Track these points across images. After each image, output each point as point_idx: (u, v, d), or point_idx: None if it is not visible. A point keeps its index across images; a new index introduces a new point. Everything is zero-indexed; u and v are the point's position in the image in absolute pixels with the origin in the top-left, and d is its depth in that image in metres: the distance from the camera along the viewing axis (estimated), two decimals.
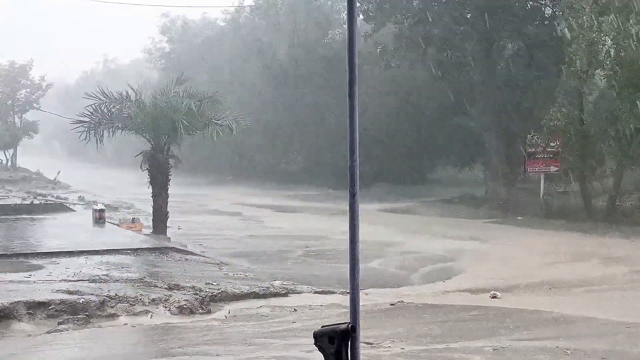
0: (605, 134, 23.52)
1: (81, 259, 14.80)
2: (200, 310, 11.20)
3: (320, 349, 2.75)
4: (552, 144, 27.38)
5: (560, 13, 25.68)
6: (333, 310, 11.30)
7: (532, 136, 28.16)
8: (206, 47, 56.04)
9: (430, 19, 30.95)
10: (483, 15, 29.73)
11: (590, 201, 25.42)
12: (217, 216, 28.30)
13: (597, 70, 24.11)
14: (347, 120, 2.76)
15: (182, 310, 11.07)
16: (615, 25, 21.55)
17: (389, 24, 32.74)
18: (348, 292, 9.57)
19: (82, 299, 10.82)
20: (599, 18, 22.24)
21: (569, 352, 8.76)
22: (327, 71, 40.58)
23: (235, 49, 51.34)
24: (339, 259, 17.12)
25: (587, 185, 25.59)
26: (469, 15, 31.68)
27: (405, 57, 32.98)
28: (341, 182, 35.80)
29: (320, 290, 13.22)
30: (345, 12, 3.06)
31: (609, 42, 22.34)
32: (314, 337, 2.74)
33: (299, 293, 12.93)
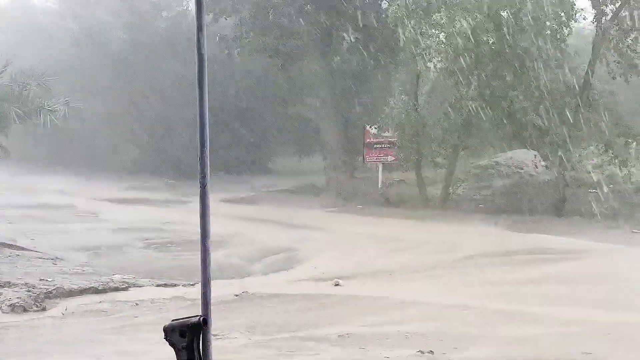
0: (439, 124, 24.44)
1: None
2: (35, 308, 10.65)
3: (171, 344, 2.66)
4: (388, 134, 28.24)
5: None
6: (177, 303, 11.06)
7: (370, 126, 28.89)
8: (34, 31, 53.20)
9: (269, 9, 31.02)
10: (322, 6, 30.16)
11: (425, 189, 26.41)
12: (50, 209, 26.99)
13: (429, 63, 25.04)
14: (197, 109, 2.70)
15: (14, 309, 10.48)
16: (444, 20, 22.46)
17: (229, 12, 32.56)
18: (191, 285, 9.40)
19: None
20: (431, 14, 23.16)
21: (409, 335, 9.03)
22: (165, 56, 39.69)
23: (69, 32, 49.05)
24: (180, 251, 16.83)
25: (422, 174, 26.58)
26: (308, 7, 32.01)
27: (245, 46, 32.87)
28: (180, 172, 35.33)
29: (162, 283, 12.92)
30: None
31: (441, 34, 23.31)
32: (164, 331, 2.64)
33: (141, 287, 12.57)
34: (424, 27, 23.41)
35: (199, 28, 2.72)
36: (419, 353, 8.16)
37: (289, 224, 21.73)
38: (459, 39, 22.03)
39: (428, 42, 23.41)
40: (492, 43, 21.77)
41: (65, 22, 48.20)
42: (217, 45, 32.17)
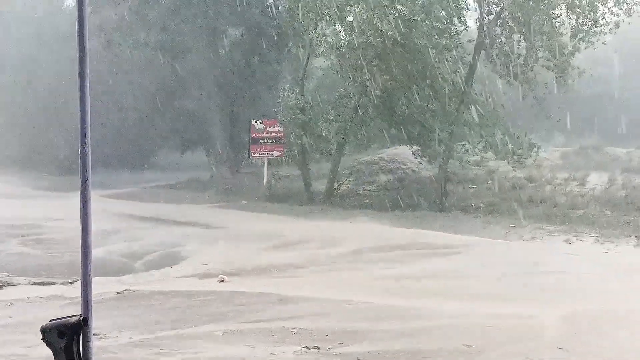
0: (325, 120, 24.61)
1: None
2: None
3: (49, 345, 2.53)
4: (275, 129, 28.24)
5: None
6: (54, 302, 10.64)
7: (256, 121, 28.80)
8: None
9: (150, 2, 30.42)
10: (206, 1, 29.82)
11: (311, 185, 26.56)
12: None
13: (317, 58, 25.23)
14: (78, 101, 2.59)
15: None
16: (334, 13, 22.65)
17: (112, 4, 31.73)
18: (70, 283, 9.02)
19: None
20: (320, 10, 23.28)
21: (294, 331, 9.01)
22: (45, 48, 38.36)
23: None
24: (57, 248, 16.23)
25: (307, 170, 26.71)
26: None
27: (126, 38, 32.07)
28: (60, 166, 34.21)
29: (39, 281, 12.41)
30: None
31: (328, 31, 23.48)
32: (41, 332, 2.51)
33: (15, 285, 12.03)
34: (312, 20, 23.51)
35: (80, 19, 2.61)
36: (305, 349, 8.16)
37: (172, 220, 21.37)
38: (345, 34, 22.25)
39: (316, 35, 23.54)
40: (379, 38, 22.04)
41: None
42: (97, 37, 31.27)
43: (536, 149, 23.57)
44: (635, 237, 17.58)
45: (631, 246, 16.79)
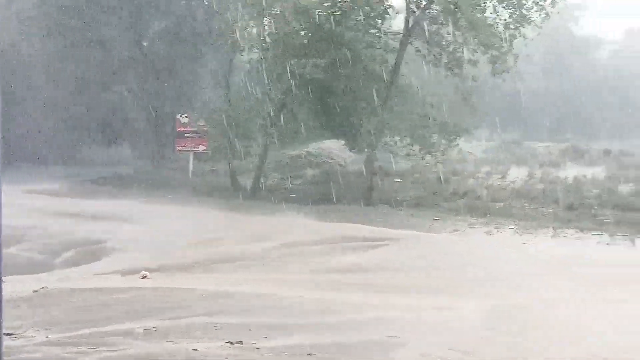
0: (250, 114, 24.43)
1: None
2: None
3: None
4: (200, 123, 27.92)
5: None
6: None
7: (181, 115, 28.41)
8: None
9: None
10: None
11: (237, 180, 26.35)
12: None
13: (243, 52, 25.00)
14: None
15: None
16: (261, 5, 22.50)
17: None
18: None
19: None
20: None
21: (218, 326, 8.89)
22: None
23: None
24: None
25: (233, 164, 26.49)
26: None
27: (42, 27, 31.09)
28: None
29: None
30: None
31: (252, 23, 23.29)
32: None
33: None
34: (238, 11, 23.32)
35: None
36: (228, 344, 8.05)
37: (94, 215, 20.85)
38: (271, 26, 22.11)
39: (241, 29, 23.34)
40: (304, 31, 21.98)
41: None
42: (16, 26, 30.31)
43: (457, 144, 23.95)
44: (553, 228, 18.05)
45: (549, 237, 17.24)
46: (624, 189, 22.26)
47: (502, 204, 21.57)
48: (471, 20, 21.95)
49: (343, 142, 24.52)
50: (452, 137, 23.74)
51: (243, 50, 24.73)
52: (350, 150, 24.60)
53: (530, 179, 25.02)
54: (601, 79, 48.02)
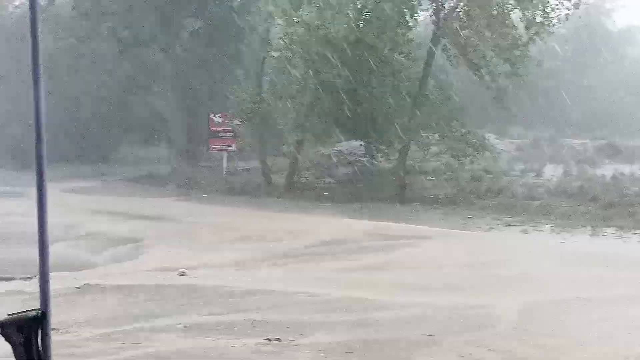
0: (283, 113, 24.57)
1: None
2: None
3: (7, 339, 2.52)
4: (233, 123, 28.15)
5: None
6: (13, 297, 10.53)
7: (215, 114, 28.67)
8: None
9: None
10: None
11: (271, 178, 26.53)
12: None
13: (274, 52, 25.16)
14: (32, 93, 2.55)
15: None
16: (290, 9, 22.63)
17: None
18: (29, 278, 8.92)
19: None
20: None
21: (256, 323, 9.04)
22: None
23: None
24: (16, 244, 16.00)
25: (267, 163, 26.68)
26: None
27: (80, 31, 31.57)
28: (17, 161, 33.64)
29: None
30: None
31: (282, 25, 23.45)
32: None
33: None
34: (270, 14, 23.50)
35: (32, 7, 2.58)
36: (266, 341, 8.19)
37: (132, 214, 21.16)
38: (301, 29, 22.23)
39: (273, 30, 23.53)
40: (332, 34, 22.07)
41: None
42: (52, 30, 30.79)
43: (482, 151, 24.01)
44: (591, 226, 17.89)
45: (587, 235, 17.09)
46: None
47: (538, 202, 21.41)
48: (494, 21, 22.11)
49: (375, 145, 24.62)
50: (477, 146, 23.79)
51: (272, 51, 24.90)
52: (379, 152, 24.68)
53: (567, 176, 24.84)
54: (637, 73, 47.38)
